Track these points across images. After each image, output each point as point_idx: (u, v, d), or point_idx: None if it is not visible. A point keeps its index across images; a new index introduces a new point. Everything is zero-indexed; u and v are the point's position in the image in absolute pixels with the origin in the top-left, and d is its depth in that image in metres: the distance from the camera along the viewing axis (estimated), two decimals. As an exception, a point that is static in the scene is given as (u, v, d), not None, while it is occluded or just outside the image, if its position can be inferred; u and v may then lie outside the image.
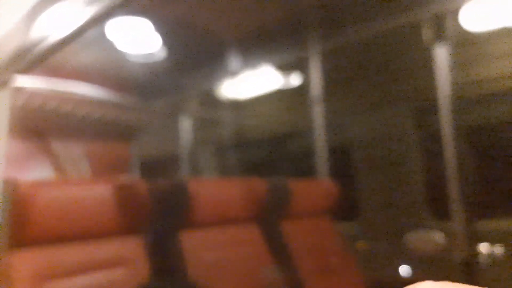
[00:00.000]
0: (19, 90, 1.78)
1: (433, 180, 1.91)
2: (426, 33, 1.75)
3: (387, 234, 1.98)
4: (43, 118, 2.10)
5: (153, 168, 2.89)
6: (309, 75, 2.29)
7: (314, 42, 2.26)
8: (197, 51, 2.47)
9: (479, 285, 0.21)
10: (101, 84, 2.15)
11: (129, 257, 1.26)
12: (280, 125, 2.62)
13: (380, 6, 1.89)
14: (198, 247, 1.43)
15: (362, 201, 2.14)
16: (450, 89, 1.69)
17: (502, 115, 1.79)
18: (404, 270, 1.62)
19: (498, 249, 1.56)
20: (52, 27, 0.85)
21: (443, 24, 1.73)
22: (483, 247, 1.58)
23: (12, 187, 1.07)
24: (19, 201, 1.07)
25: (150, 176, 2.65)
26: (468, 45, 1.80)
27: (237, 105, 2.81)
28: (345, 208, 2.06)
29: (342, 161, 2.26)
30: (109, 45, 2.13)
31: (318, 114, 2.25)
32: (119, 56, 2.32)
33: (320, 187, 2.09)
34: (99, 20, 0.74)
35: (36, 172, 2.14)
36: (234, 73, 2.60)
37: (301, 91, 2.41)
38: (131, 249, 1.28)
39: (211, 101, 2.90)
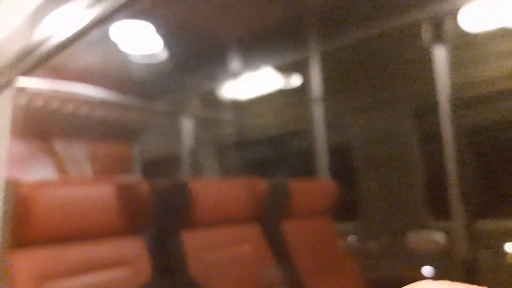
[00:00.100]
0: (21, 90, 1.79)
1: (433, 180, 1.92)
2: (426, 33, 1.76)
3: (387, 234, 1.99)
4: (46, 118, 2.10)
5: (154, 168, 2.89)
6: (309, 75, 2.29)
7: (314, 43, 2.26)
8: (198, 52, 2.48)
9: (479, 285, 0.21)
10: (103, 84, 2.15)
11: (131, 257, 1.26)
12: (280, 126, 2.63)
13: (379, 7, 1.90)
14: (199, 247, 1.44)
15: (362, 201, 2.14)
16: (449, 89, 1.70)
17: (501, 115, 1.79)
18: (427, 270, 1.60)
19: None
20: (55, 29, 0.86)
21: (443, 25, 1.74)
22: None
23: (14, 187, 1.08)
24: (21, 201, 1.07)
25: (151, 176, 2.65)
26: (467, 45, 1.80)
27: (238, 106, 2.82)
28: (345, 208, 2.06)
29: (342, 161, 2.26)
30: (111, 46, 2.14)
31: (318, 114, 2.26)
32: (121, 57, 2.32)
33: (320, 187, 2.09)
34: (101, 21, 0.75)
35: (38, 172, 2.14)
36: (235, 74, 2.61)
37: (301, 92, 2.41)
38: (133, 249, 1.29)
39: (212, 102, 2.90)
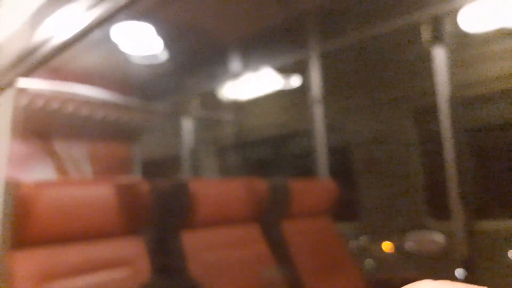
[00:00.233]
0: (22, 91, 1.79)
1: (432, 180, 1.92)
2: (425, 34, 1.76)
3: (387, 234, 1.99)
4: (46, 119, 2.11)
5: (155, 168, 2.90)
6: (309, 76, 2.30)
7: (314, 43, 2.27)
8: (198, 53, 2.48)
9: (479, 285, 0.22)
10: (104, 85, 2.16)
11: (131, 257, 1.27)
12: (280, 126, 2.63)
13: (379, 8, 1.90)
14: (199, 247, 1.44)
15: (362, 202, 2.14)
16: (449, 89, 1.70)
17: (500, 115, 1.79)
18: (460, 273, 1.58)
19: None
20: (56, 30, 0.86)
21: (442, 25, 1.74)
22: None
23: (15, 187, 1.08)
24: (21, 202, 1.07)
25: (152, 177, 2.66)
26: (466, 46, 1.80)
27: (238, 106, 2.82)
28: (345, 208, 2.06)
29: (342, 161, 2.26)
30: (112, 47, 2.14)
31: (318, 114, 2.26)
32: (122, 58, 2.33)
33: (320, 187, 2.09)
34: (102, 23, 0.75)
35: (39, 173, 2.15)
36: (235, 75, 2.61)
37: (301, 92, 2.41)
38: (133, 249, 1.29)
39: (213, 102, 2.91)
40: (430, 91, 1.73)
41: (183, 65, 2.60)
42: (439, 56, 1.72)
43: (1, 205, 1.04)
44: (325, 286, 1.74)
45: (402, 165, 2.02)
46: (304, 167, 2.48)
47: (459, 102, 1.71)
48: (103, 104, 2.19)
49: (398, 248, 1.87)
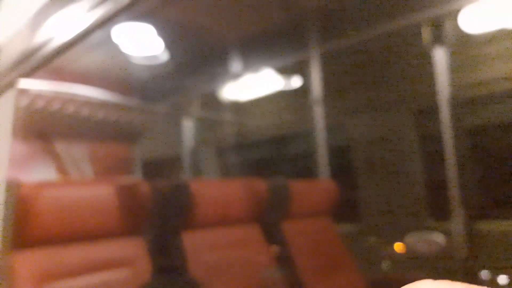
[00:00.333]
0: (23, 92, 1.80)
1: (433, 181, 1.92)
2: (426, 35, 1.76)
3: (387, 235, 1.99)
4: (47, 119, 2.11)
5: (155, 169, 2.90)
6: (309, 77, 2.30)
7: (314, 44, 2.27)
8: (199, 54, 2.48)
9: (479, 285, 0.22)
10: (104, 86, 2.16)
11: (131, 258, 1.27)
12: (281, 127, 2.63)
13: (380, 9, 1.90)
14: (199, 247, 1.44)
15: (362, 202, 2.14)
16: (449, 90, 1.70)
17: (501, 116, 1.79)
18: (485, 274, 1.57)
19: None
20: (57, 31, 0.87)
21: (443, 26, 1.74)
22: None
23: (15, 188, 1.08)
24: (22, 202, 1.07)
25: (152, 177, 2.66)
26: (467, 47, 1.80)
27: (238, 107, 2.82)
28: (345, 209, 2.06)
29: (342, 162, 2.26)
30: (113, 48, 2.14)
31: (318, 115, 2.26)
32: (123, 58, 2.33)
33: (320, 187, 2.09)
34: (103, 24, 0.76)
35: (39, 173, 2.15)
36: (235, 75, 2.62)
37: (301, 93, 2.42)
38: (133, 249, 1.29)
39: (213, 103, 2.91)
40: (430, 92, 1.73)
41: (183, 65, 2.60)
42: (440, 57, 1.72)
43: (2, 206, 1.04)
44: (325, 286, 1.74)
45: (403, 166, 2.02)
46: (304, 168, 2.48)
47: (459, 103, 1.71)
48: (104, 104, 2.20)
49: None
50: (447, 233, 1.70)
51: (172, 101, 2.86)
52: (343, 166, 2.27)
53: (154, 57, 2.32)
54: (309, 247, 1.79)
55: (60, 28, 0.86)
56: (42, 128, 2.19)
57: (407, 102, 2.00)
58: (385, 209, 2.06)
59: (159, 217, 1.40)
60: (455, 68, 1.72)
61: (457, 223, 1.64)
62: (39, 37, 0.91)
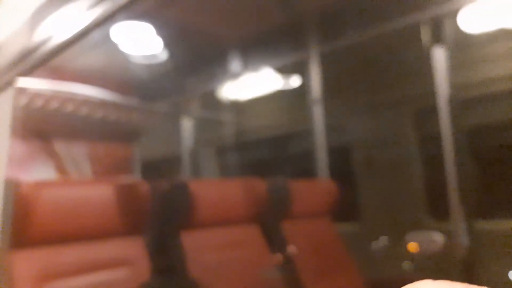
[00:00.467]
0: (22, 91, 1.80)
1: (432, 180, 1.92)
2: (425, 35, 1.76)
3: (387, 234, 1.99)
4: (46, 118, 2.11)
5: (154, 168, 2.90)
6: (309, 76, 2.30)
7: (314, 44, 2.27)
8: (198, 53, 2.48)
9: (479, 285, 0.21)
10: (103, 85, 2.16)
11: (131, 258, 1.27)
12: (280, 126, 2.63)
13: (379, 9, 1.90)
14: (199, 247, 1.44)
15: (362, 202, 2.14)
16: (449, 90, 1.70)
17: (500, 116, 1.80)
18: None
19: None
20: (55, 30, 0.86)
21: (442, 26, 1.74)
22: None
23: (14, 187, 1.08)
24: (21, 201, 1.07)
25: (151, 177, 2.66)
26: (466, 46, 1.80)
27: (238, 107, 2.82)
28: (345, 209, 2.06)
29: (342, 162, 2.26)
30: (112, 47, 2.14)
31: (318, 115, 2.26)
32: (122, 58, 2.33)
33: (320, 187, 2.09)
34: (101, 23, 0.75)
35: (38, 172, 2.15)
36: (235, 75, 2.61)
37: (301, 93, 2.41)
38: (133, 249, 1.29)
39: (212, 103, 2.91)
40: (430, 92, 1.73)
41: (183, 65, 2.60)
42: (439, 56, 1.72)
43: (1, 205, 1.04)
44: (324, 286, 1.74)
45: (402, 166, 2.02)
46: (304, 168, 2.48)
47: (459, 103, 1.71)
48: (103, 104, 2.19)
49: (399, 248, 1.87)
50: (447, 232, 1.70)
51: (172, 101, 2.85)
52: (342, 166, 2.26)
53: (153, 56, 2.31)
54: (309, 247, 1.79)
55: (59, 27, 0.86)
56: (41, 127, 2.19)
57: (407, 102, 2.00)
58: (385, 209, 2.06)
59: (158, 217, 1.40)
60: (454, 68, 1.72)
61: (457, 222, 1.64)
62: (38, 36, 0.91)
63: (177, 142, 2.84)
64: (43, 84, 1.91)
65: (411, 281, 0.23)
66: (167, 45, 2.23)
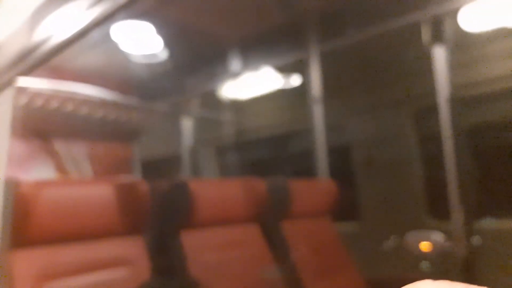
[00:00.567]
0: (22, 90, 1.80)
1: (432, 180, 1.92)
2: (425, 34, 1.76)
3: (387, 234, 1.99)
4: (46, 118, 2.11)
5: (154, 168, 2.90)
6: (309, 76, 2.30)
7: (314, 43, 2.26)
8: (198, 52, 2.48)
9: (479, 285, 0.21)
10: (103, 84, 2.16)
11: (130, 257, 1.27)
12: (280, 126, 2.63)
13: (379, 8, 1.90)
14: (199, 247, 1.44)
15: (362, 202, 2.14)
16: (449, 89, 1.70)
17: (501, 115, 1.80)
18: None
19: None
20: (55, 29, 0.86)
21: (442, 25, 1.74)
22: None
23: (14, 186, 1.08)
24: (21, 201, 1.07)
25: (151, 177, 2.66)
26: (467, 46, 1.80)
27: (237, 106, 2.82)
28: (345, 209, 2.06)
29: (342, 161, 2.26)
30: (112, 47, 2.14)
31: (318, 114, 2.26)
32: (122, 57, 2.33)
33: (320, 187, 2.09)
34: (101, 22, 0.75)
35: (38, 172, 2.15)
36: (235, 74, 2.61)
37: (301, 92, 2.41)
38: (132, 249, 1.29)
39: (212, 102, 2.90)
40: (430, 91, 1.73)
41: (183, 64, 2.60)
42: (439, 56, 1.72)
43: (1, 205, 1.04)
44: (324, 286, 1.74)
45: (402, 165, 2.02)
46: (303, 167, 2.48)
47: (459, 102, 1.71)
48: (103, 103, 2.19)
49: (398, 247, 1.87)
50: (447, 232, 1.70)
51: (171, 100, 2.85)
52: (342, 165, 2.26)
53: (153, 55, 2.31)
54: (309, 247, 1.79)
55: (59, 26, 0.86)
56: (41, 127, 2.19)
57: (407, 101, 2.00)
58: (385, 209, 2.06)
59: (158, 216, 1.40)
60: (454, 67, 1.72)
61: (457, 222, 1.64)
62: (38, 35, 0.90)
63: (177, 141, 2.84)
64: (43, 84, 1.90)
65: (411, 281, 0.23)
66: (167, 44, 2.23)
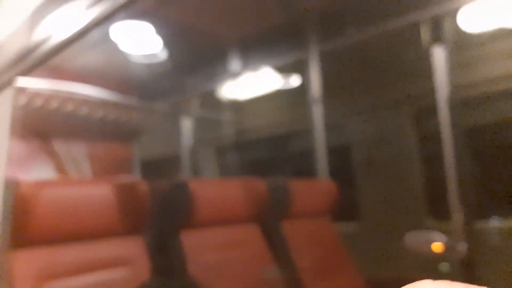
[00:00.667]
0: (21, 90, 1.79)
1: (432, 180, 1.92)
2: (425, 34, 1.76)
3: (387, 234, 1.99)
4: (45, 118, 2.11)
5: (154, 168, 2.90)
6: (308, 76, 2.30)
7: (313, 43, 2.27)
8: (198, 53, 2.48)
9: (479, 285, 0.21)
10: (103, 84, 2.16)
11: (130, 257, 1.27)
12: (280, 126, 2.63)
13: (379, 8, 1.90)
14: (198, 247, 1.44)
15: (362, 202, 2.14)
16: (448, 90, 1.70)
17: (500, 115, 1.80)
18: None
19: None
20: (55, 29, 0.86)
21: (442, 25, 1.74)
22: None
23: (14, 187, 1.08)
24: (21, 201, 1.07)
25: (151, 177, 2.66)
26: (466, 46, 1.80)
27: (237, 106, 2.82)
28: (345, 209, 2.06)
29: (342, 161, 2.26)
30: (111, 47, 2.14)
31: (317, 114, 2.26)
32: (121, 57, 2.33)
33: (320, 187, 2.09)
34: (101, 22, 0.75)
35: (38, 172, 2.15)
36: (234, 74, 2.61)
37: (300, 92, 2.41)
38: (132, 249, 1.29)
39: (212, 102, 2.91)
40: (429, 91, 1.73)
41: (182, 64, 2.60)
42: (439, 56, 1.72)
43: (1, 205, 1.04)
44: (324, 286, 1.74)
45: (402, 165, 2.02)
46: (303, 167, 2.48)
47: (459, 102, 1.71)
48: (103, 103, 2.19)
49: (398, 248, 1.87)
50: (447, 232, 1.70)
51: (171, 100, 2.85)
52: (342, 165, 2.26)
53: (153, 55, 2.31)
54: (309, 247, 1.79)
55: (58, 26, 0.86)
56: (40, 127, 2.19)
57: (406, 102, 2.00)
58: (385, 209, 2.06)
59: (158, 216, 1.40)
60: (454, 67, 1.72)
61: (457, 222, 1.64)
62: (37, 35, 0.90)
63: (177, 141, 2.84)
64: (43, 84, 1.90)
65: (411, 280, 0.23)
66: (166, 44, 2.23)
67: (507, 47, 1.69)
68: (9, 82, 1.05)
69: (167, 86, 2.68)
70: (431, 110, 1.73)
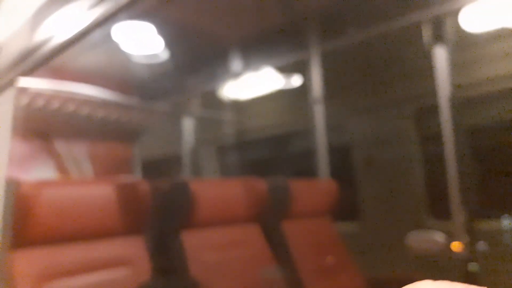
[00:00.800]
0: (23, 90, 1.80)
1: (433, 180, 1.92)
2: (426, 34, 1.76)
3: (387, 234, 1.99)
4: (47, 118, 2.11)
5: (155, 168, 2.90)
6: (309, 76, 2.30)
7: (314, 43, 2.27)
8: (199, 53, 2.48)
9: (479, 285, 0.21)
10: (104, 85, 2.16)
11: (131, 257, 1.27)
12: (281, 126, 2.63)
13: (380, 8, 1.90)
14: (199, 247, 1.44)
15: (362, 202, 2.14)
16: (450, 89, 1.70)
17: (501, 115, 1.79)
18: None
19: None
20: (56, 30, 0.87)
21: (443, 25, 1.74)
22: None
23: (15, 186, 1.08)
24: (22, 201, 1.07)
25: (152, 176, 2.66)
26: (468, 46, 1.80)
27: (238, 106, 2.82)
28: (345, 209, 2.06)
29: (342, 161, 2.26)
30: (113, 47, 2.14)
31: (318, 114, 2.26)
32: (123, 57, 2.33)
33: (320, 187, 2.09)
34: (102, 22, 0.75)
35: (39, 172, 2.15)
36: (236, 74, 2.62)
37: (301, 92, 2.41)
38: (133, 249, 1.29)
39: (213, 102, 2.91)
40: (431, 91, 1.73)
41: (183, 64, 2.60)
42: (440, 56, 1.72)
43: (2, 205, 1.04)
44: (325, 286, 1.74)
45: (403, 165, 2.02)
46: (304, 167, 2.48)
47: (460, 102, 1.71)
48: (104, 103, 2.20)
49: (399, 247, 1.87)
50: (448, 232, 1.69)
51: (172, 100, 2.86)
52: (343, 165, 2.26)
53: (154, 56, 2.31)
54: (309, 247, 1.79)
55: (60, 27, 0.86)
56: (42, 127, 2.19)
57: (408, 101, 2.00)
58: (386, 209, 2.06)
59: (158, 216, 1.40)
60: (455, 67, 1.72)
61: (458, 221, 1.64)
62: (39, 36, 0.91)
63: (177, 141, 2.84)
64: (44, 84, 1.91)
65: (411, 281, 0.23)
66: (168, 44, 2.23)
67: (508, 47, 1.69)
68: (11, 82, 1.05)
69: (168, 86, 2.69)
70: (432, 110, 1.73)
